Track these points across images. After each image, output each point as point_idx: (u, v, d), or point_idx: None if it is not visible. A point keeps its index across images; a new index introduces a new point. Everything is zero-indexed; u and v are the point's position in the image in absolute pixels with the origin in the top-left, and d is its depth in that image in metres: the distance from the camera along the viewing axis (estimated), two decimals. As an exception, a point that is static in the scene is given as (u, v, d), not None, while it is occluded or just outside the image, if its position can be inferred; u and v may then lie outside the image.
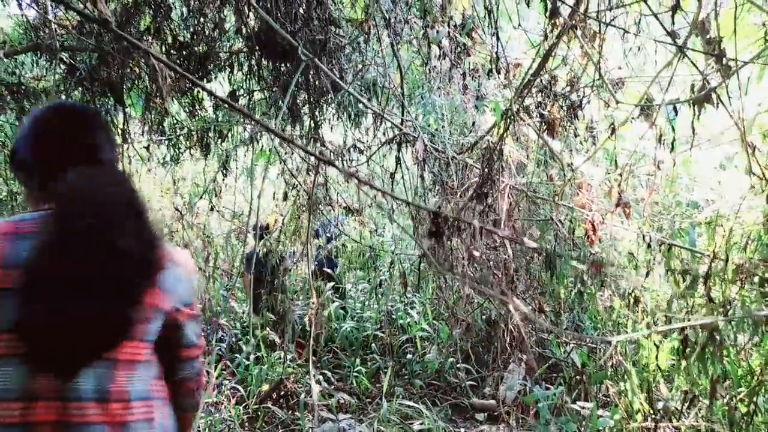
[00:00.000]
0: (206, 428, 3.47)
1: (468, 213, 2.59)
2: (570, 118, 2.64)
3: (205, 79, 3.57)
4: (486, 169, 2.44)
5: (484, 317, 4.77)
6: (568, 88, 2.59)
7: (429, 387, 4.50)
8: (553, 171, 3.17)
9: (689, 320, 2.17)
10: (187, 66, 3.41)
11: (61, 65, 3.45)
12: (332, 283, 5.98)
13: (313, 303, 2.96)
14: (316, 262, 5.81)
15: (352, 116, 3.47)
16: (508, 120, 2.37)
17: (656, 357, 2.75)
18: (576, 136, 2.84)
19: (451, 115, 2.93)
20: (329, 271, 5.94)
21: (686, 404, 2.84)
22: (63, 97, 3.42)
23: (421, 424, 3.61)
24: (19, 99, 3.73)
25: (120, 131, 4.16)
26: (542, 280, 3.90)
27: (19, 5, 2.86)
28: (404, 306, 5.51)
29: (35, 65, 3.68)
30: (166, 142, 4.45)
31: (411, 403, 3.77)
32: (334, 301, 5.76)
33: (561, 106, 2.57)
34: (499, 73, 2.78)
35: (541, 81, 2.50)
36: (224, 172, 4.21)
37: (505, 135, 2.38)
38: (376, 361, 4.96)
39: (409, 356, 4.75)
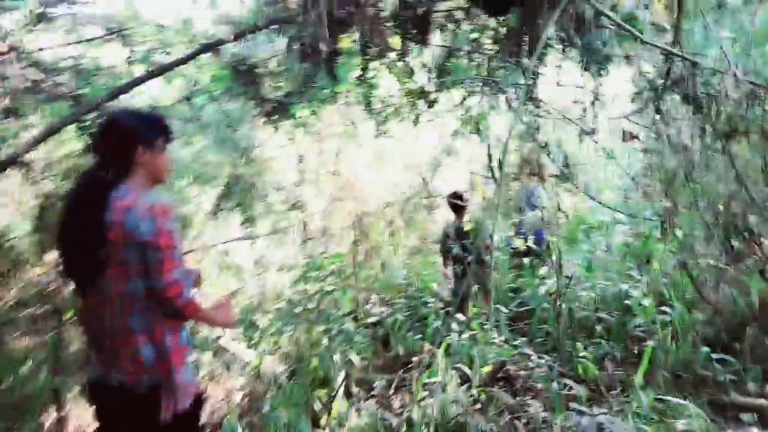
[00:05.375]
0: (438, 409, 3.31)
1: None
2: None
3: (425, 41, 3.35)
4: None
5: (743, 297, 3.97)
6: None
7: (676, 379, 3.86)
8: None
9: None
10: (408, 28, 3.22)
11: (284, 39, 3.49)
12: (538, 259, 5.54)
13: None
14: (522, 236, 5.40)
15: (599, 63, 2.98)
16: None
17: None
18: None
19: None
20: (534, 246, 5.50)
21: None
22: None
23: (686, 423, 3.05)
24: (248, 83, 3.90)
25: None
26: None
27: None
28: (629, 285, 4.87)
29: (259, 46, 3.78)
30: (376, 115, 4.37)
31: (671, 398, 3.21)
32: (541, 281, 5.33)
33: None
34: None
35: None
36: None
37: None
38: (601, 345, 4.42)
39: (650, 342, 4.14)
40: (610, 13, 2.43)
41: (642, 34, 2.60)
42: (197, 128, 4.60)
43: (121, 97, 3.53)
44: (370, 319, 5.27)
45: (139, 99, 3.88)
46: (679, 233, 4.76)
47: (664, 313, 4.44)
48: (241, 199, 5.75)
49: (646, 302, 4.43)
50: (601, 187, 5.47)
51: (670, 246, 5.32)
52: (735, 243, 3.93)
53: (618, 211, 4.72)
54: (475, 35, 3.70)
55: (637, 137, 2.88)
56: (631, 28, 2.42)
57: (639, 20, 2.70)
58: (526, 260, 5.51)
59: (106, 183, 1.89)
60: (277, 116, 4.52)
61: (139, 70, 3.45)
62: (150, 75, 3.03)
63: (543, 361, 4.11)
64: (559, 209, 4.97)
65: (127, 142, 1.90)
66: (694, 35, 2.57)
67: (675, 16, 2.37)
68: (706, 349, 3.84)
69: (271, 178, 5.45)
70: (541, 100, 3.85)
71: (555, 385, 3.63)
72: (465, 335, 4.31)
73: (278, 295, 5.85)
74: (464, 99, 4.14)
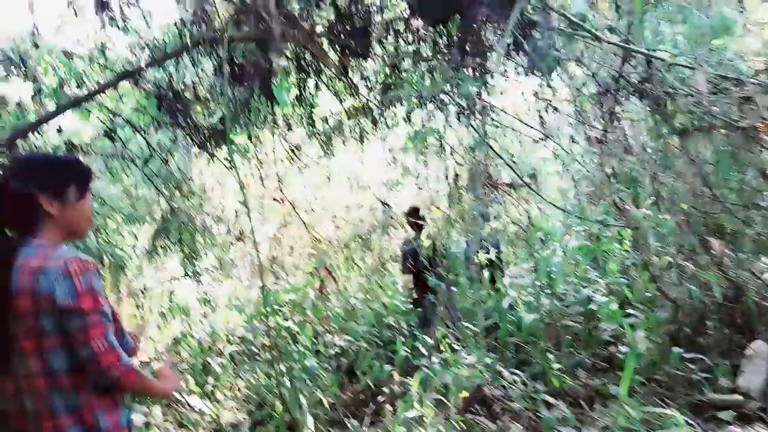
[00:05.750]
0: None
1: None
2: None
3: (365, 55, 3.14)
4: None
5: (705, 291, 3.96)
6: None
7: (649, 383, 3.79)
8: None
9: None
10: (346, 43, 2.99)
11: (212, 62, 3.20)
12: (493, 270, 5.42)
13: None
14: (483, 249, 5.27)
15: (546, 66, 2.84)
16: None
17: None
18: None
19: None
20: (492, 257, 5.38)
21: None
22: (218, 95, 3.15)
23: (666, 429, 2.94)
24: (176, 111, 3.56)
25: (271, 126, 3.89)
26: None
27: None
28: (590, 289, 4.81)
29: (184, 70, 3.45)
30: (316, 136, 4.11)
31: (653, 408, 3.10)
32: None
33: None
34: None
35: None
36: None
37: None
38: (573, 355, 4.32)
39: (621, 348, 4.06)
40: (567, 14, 2.29)
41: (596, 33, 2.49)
42: (123, 163, 4.20)
43: (32, 136, 3.13)
44: (332, 351, 4.98)
45: (53, 138, 3.46)
46: (628, 233, 4.77)
47: (629, 315, 4.39)
48: (179, 235, 5.34)
49: (612, 306, 4.37)
50: (554, 193, 5.44)
51: (624, 246, 5.34)
52: (692, 239, 3.93)
53: (574, 215, 4.65)
54: (414, 47, 3.53)
55: (603, 141, 2.76)
56: (588, 27, 2.30)
57: (589, 20, 2.60)
58: (485, 273, 5.39)
59: (9, 243, 1.57)
60: (212, 144, 4.18)
61: (49, 106, 3.06)
62: (62, 108, 2.65)
63: (517, 378, 3.96)
64: (512, 220, 4.86)
65: (27, 199, 1.58)
66: (645, 33, 2.49)
67: (625, 14, 2.26)
68: (677, 349, 3.79)
69: (212, 210, 5.08)
70: (491, 109, 3.72)
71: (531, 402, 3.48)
72: (435, 359, 4.10)
73: (229, 335, 5.46)
74: (410, 113, 3.95)
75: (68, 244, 1.69)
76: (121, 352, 1.56)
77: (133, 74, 2.72)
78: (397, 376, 4.11)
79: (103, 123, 3.74)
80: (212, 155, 4.39)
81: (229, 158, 4.51)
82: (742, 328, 4.01)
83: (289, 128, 4.27)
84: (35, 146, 3.20)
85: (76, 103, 2.71)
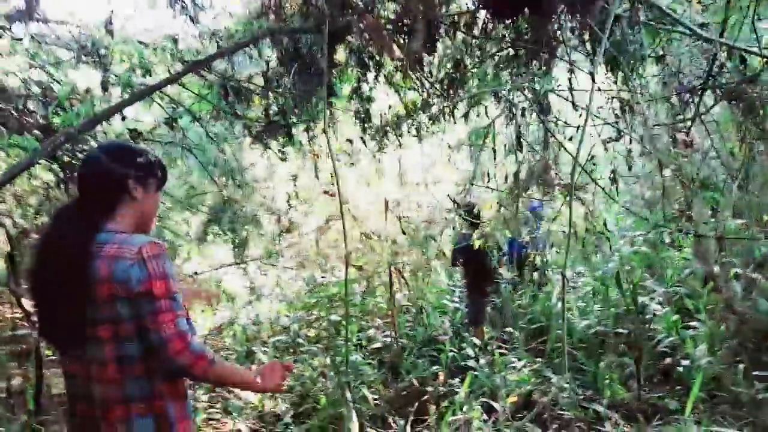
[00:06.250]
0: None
1: None
2: None
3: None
4: None
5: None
6: None
7: (711, 399, 3.62)
8: None
9: None
10: (412, 36, 2.93)
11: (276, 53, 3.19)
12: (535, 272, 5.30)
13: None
14: (518, 248, 5.17)
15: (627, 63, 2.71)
16: None
17: None
18: None
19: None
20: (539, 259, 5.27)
21: None
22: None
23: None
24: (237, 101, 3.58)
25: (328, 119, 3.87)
26: None
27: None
28: (646, 297, 4.64)
29: (248, 60, 3.46)
30: (374, 130, 4.07)
31: (723, 430, 2.95)
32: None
33: None
34: None
35: None
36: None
37: None
38: (626, 364, 4.17)
39: (679, 359, 3.89)
40: (662, 5, 2.17)
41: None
42: (180, 152, 4.26)
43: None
44: (374, 345, 4.96)
45: (117, 125, 3.53)
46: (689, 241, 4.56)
47: (689, 327, 4.21)
48: (230, 224, 5.42)
49: (670, 316, 4.19)
50: (623, 196, 5.26)
51: (684, 254, 5.12)
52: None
53: (641, 217, 4.45)
54: (480, 41, 3.43)
55: (692, 144, 2.62)
56: (684, 21, 2.16)
57: (678, 14, 2.46)
58: (535, 274, 5.28)
59: (88, 227, 1.58)
60: (268, 135, 4.20)
61: (117, 94, 3.11)
62: (131, 99, 2.69)
63: (567, 385, 3.84)
64: (570, 222, 4.72)
65: (116, 179, 1.61)
66: (738, 33, 2.33)
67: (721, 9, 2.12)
68: (741, 365, 3.60)
69: (263, 200, 5.12)
70: (554, 107, 3.60)
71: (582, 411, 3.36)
72: (482, 361, 4.03)
73: (274, 324, 5.51)
74: (469, 110, 3.86)
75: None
76: (193, 339, 1.53)
77: (201, 65, 2.74)
78: (442, 376, 4.05)
79: (164, 111, 3.81)
80: (266, 146, 4.41)
81: (282, 150, 4.54)
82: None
83: (344, 121, 4.24)
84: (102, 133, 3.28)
85: (148, 92, 2.74)
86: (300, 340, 4.68)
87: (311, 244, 5.44)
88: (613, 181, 3.04)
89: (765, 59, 2.09)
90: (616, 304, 4.82)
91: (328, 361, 3.92)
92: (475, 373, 3.74)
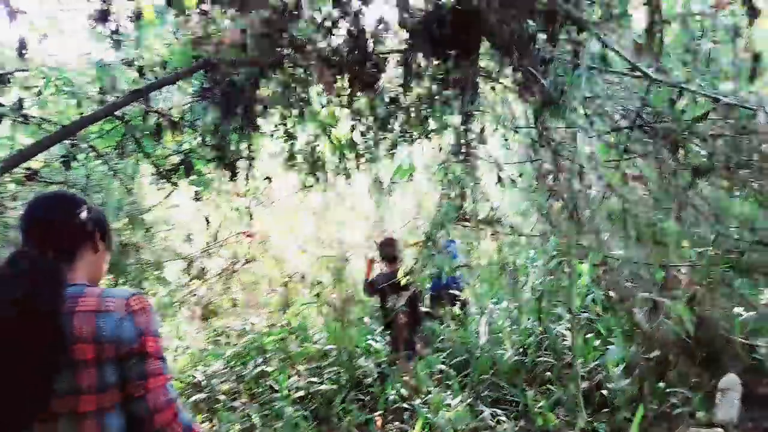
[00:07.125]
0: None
1: None
2: None
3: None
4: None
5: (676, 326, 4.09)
6: None
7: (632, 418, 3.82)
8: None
9: None
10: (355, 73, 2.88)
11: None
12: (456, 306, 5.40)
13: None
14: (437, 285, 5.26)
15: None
16: None
17: None
18: None
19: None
20: (455, 292, 5.38)
21: None
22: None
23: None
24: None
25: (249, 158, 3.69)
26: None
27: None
28: (558, 324, 4.87)
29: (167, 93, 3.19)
30: (298, 168, 3.92)
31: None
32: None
33: None
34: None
35: None
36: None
37: None
38: (552, 391, 4.30)
39: (599, 382, 4.08)
40: (617, 48, 2.30)
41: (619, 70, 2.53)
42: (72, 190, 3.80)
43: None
44: (298, 394, 4.67)
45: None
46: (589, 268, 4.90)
47: (599, 350, 4.46)
48: (129, 271, 4.90)
49: (580, 341, 4.42)
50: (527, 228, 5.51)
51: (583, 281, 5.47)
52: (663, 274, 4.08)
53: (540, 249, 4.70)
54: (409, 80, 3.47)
55: (640, 178, 2.78)
56: (635, 61, 2.31)
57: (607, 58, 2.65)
58: (450, 309, 5.36)
59: (57, 277, 1.30)
60: (178, 174, 3.88)
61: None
62: (49, 141, 2.29)
63: (504, 418, 3.88)
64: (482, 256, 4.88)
65: (86, 230, 1.46)
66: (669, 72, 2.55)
67: (653, 48, 2.30)
68: (660, 384, 3.87)
69: (170, 244, 4.70)
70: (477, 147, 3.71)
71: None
72: (417, 401, 3.94)
73: (180, 379, 5.00)
74: (394, 147, 3.88)
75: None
76: (180, 409, 1.34)
77: (140, 94, 2.42)
78: (380, 421, 3.90)
79: (61, 148, 3.36)
80: (175, 185, 4.08)
81: (195, 190, 4.23)
82: (709, 361, 4.17)
83: (264, 160, 4.06)
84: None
85: (60, 137, 2.36)
86: (218, 397, 4.28)
87: (221, 289, 5.07)
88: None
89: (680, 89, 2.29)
90: (530, 333, 5.00)
91: (257, 419, 3.60)
92: (427, 415, 3.63)
